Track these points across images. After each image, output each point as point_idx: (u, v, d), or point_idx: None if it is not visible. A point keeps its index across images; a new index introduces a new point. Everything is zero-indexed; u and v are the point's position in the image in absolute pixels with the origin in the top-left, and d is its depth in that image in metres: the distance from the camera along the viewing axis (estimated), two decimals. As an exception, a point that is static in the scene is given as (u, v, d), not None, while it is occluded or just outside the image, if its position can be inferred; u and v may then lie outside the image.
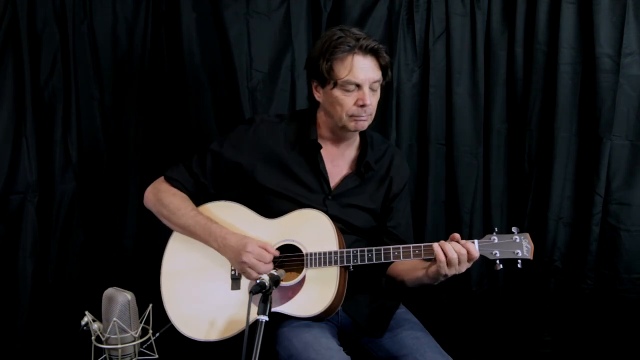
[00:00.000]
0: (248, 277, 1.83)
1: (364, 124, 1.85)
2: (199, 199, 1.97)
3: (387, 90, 2.50)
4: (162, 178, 1.99)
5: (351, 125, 1.84)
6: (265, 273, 1.65)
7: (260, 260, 1.78)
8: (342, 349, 1.74)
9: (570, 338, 2.58)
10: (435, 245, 1.70)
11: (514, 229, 1.74)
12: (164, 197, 1.93)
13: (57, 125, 2.44)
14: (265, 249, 1.81)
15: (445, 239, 1.74)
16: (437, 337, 1.88)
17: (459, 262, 1.68)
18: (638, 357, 2.48)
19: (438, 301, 2.64)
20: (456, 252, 1.68)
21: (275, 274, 1.62)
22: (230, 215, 1.92)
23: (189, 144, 2.51)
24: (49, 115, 2.44)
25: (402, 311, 2.00)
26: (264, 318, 1.52)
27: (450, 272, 1.70)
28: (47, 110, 2.44)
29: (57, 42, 2.41)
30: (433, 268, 1.73)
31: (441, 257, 1.68)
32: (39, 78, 2.40)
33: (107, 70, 2.49)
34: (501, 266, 1.73)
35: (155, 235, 2.23)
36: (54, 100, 2.43)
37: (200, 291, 1.89)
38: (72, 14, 2.40)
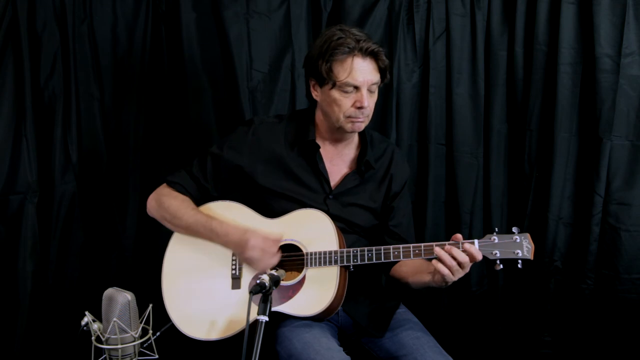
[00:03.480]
0: (257, 269, 1.83)
1: (361, 126, 1.86)
2: (200, 203, 1.97)
3: (387, 90, 2.50)
4: (164, 184, 1.99)
5: (348, 126, 1.84)
6: (273, 264, 1.66)
7: (265, 253, 1.78)
8: (342, 349, 1.74)
9: (570, 338, 2.58)
10: (435, 261, 1.69)
11: (514, 229, 1.74)
12: (165, 201, 1.93)
13: (57, 125, 2.44)
14: (270, 240, 1.79)
15: (445, 239, 1.74)
16: (437, 337, 1.88)
17: (462, 267, 1.68)
18: (638, 357, 2.48)
19: (438, 301, 2.64)
20: (455, 260, 1.67)
21: (275, 274, 1.63)
22: (232, 215, 1.91)
23: (189, 144, 2.51)
24: (49, 115, 2.44)
25: (402, 311, 2.00)
26: (264, 318, 1.52)
27: (456, 278, 1.70)
28: (47, 110, 2.43)
29: (57, 42, 2.41)
30: (439, 276, 1.72)
31: (444, 270, 1.67)
32: (39, 78, 2.41)
33: (107, 70, 2.49)
34: (501, 266, 1.73)
35: (156, 235, 2.23)
36: (54, 100, 2.43)
37: (200, 290, 1.89)
38: (72, 14, 2.41)
